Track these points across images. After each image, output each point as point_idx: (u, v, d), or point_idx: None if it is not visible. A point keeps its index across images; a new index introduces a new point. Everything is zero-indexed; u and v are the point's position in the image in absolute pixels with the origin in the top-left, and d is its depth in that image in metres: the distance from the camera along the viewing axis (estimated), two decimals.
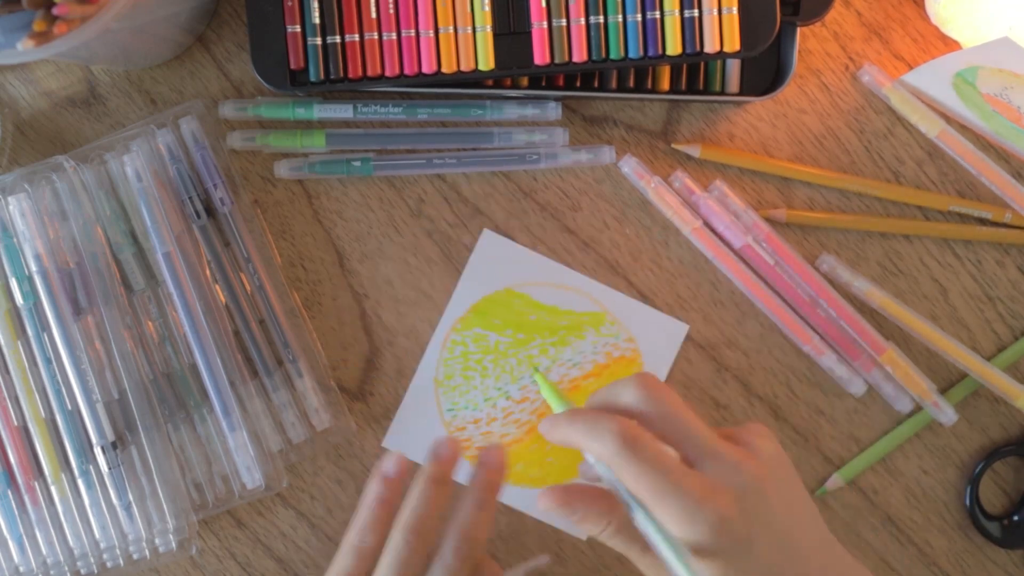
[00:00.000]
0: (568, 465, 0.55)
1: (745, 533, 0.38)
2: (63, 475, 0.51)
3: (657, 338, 0.54)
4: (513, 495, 0.54)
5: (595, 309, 0.54)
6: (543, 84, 0.54)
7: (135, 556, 0.51)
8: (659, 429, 0.40)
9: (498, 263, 0.54)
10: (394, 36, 0.50)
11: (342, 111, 0.53)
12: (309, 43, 0.50)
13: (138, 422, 0.51)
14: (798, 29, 0.52)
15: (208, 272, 0.52)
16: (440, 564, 0.45)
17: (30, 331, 0.51)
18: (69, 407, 0.51)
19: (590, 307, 0.54)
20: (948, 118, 0.54)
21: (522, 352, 0.55)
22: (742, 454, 0.41)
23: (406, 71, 0.50)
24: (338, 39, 0.50)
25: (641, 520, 0.39)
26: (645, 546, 0.41)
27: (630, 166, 0.53)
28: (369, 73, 0.50)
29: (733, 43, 0.50)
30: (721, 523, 0.38)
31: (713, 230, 0.54)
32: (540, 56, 0.50)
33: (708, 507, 0.38)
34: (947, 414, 0.53)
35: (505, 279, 0.55)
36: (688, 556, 0.38)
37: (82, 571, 0.51)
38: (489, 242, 0.54)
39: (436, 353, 0.55)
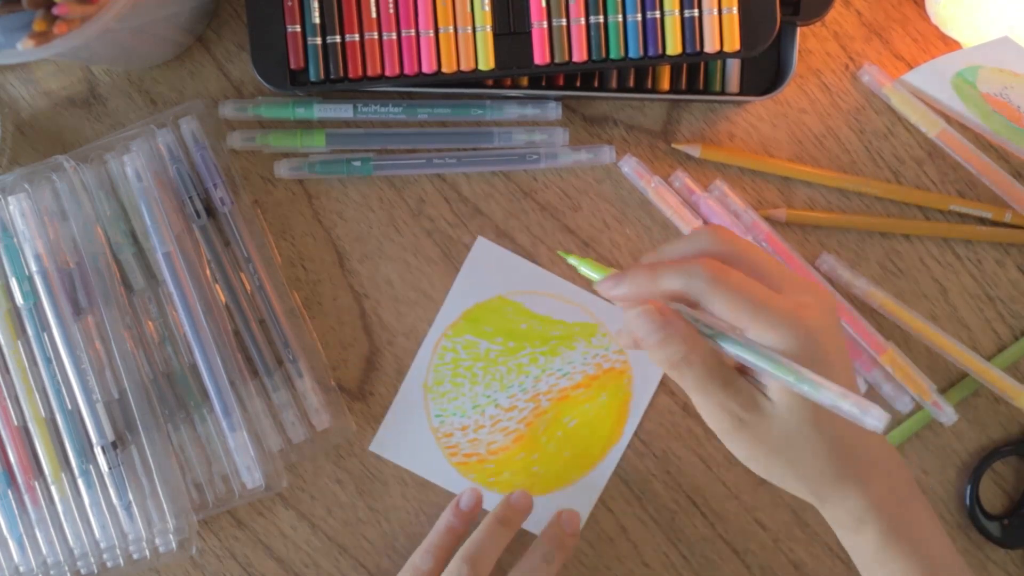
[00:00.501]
0: (555, 475, 0.55)
1: (826, 347, 0.39)
2: (63, 475, 0.51)
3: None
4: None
5: (587, 320, 0.54)
6: (543, 84, 0.54)
7: (135, 556, 0.51)
8: (739, 266, 0.40)
9: (491, 270, 0.54)
10: (394, 36, 0.50)
11: (342, 111, 0.53)
12: (309, 43, 0.50)
13: (138, 422, 0.51)
14: (798, 29, 0.52)
15: (208, 272, 0.52)
16: None
17: (30, 331, 0.51)
18: (69, 407, 0.51)
19: (582, 318, 0.54)
20: (948, 118, 0.54)
21: (512, 360, 0.55)
22: (817, 282, 0.43)
23: (406, 71, 0.50)
24: (338, 39, 0.50)
25: (731, 345, 0.39)
26: (726, 382, 0.40)
27: (630, 166, 0.53)
28: (369, 73, 0.50)
29: (733, 43, 0.50)
30: (810, 333, 0.39)
31: None
32: (540, 56, 0.50)
33: (799, 319, 0.39)
34: (947, 414, 0.53)
35: (498, 287, 0.54)
36: (790, 362, 0.38)
37: (82, 571, 0.51)
38: (483, 249, 0.54)
39: (426, 359, 0.55)
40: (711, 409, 0.41)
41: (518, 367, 0.55)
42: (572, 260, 0.43)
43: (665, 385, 0.55)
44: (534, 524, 0.54)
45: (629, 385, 0.55)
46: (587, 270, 0.43)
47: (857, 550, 0.44)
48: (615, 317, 0.54)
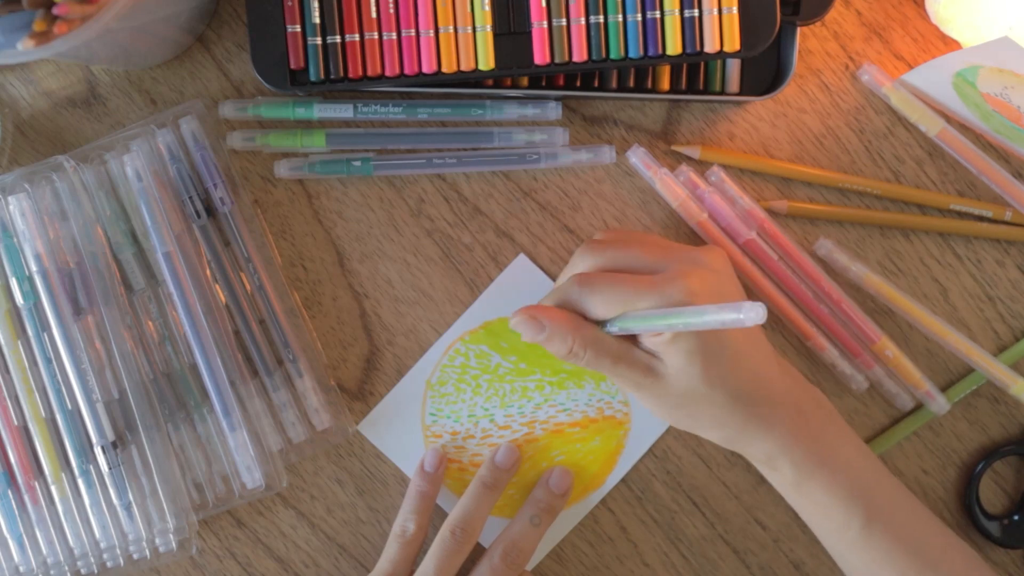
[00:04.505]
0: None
1: (704, 302, 0.43)
2: (63, 475, 0.51)
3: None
4: None
5: None
6: (543, 84, 0.54)
7: (135, 556, 0.51)
8: (616, 269, 0.46)
9: (523, 290, 0.54)
10: (394, 36, 0.50)
11: (342, 111, 0.53)
12: (309, 43, 0.50)
13: (138, 422, 0.51)
14: (798, 29, 0.52)
15: (208, 272, 0.52)
16: (487, 564, 0.51)
17: (30, 331, 0.51)
18: (69, 407, 0.51)
19: None
20: (948, 117, 0.54)
21: (519, 381, 0.54)
22: (706, 247, 0.48)
23: (406, 71, 0.50)
24: (338, 39, 0.50)
25: (617, 324, 0.45)
26: (616, 357, 0.46)
27: (638, 156, 0.53)
28: (369, 73, 0.50)
29: (733, 43, 0.50)
30: (691, 294, 0.43)
31: (718, 225, 0.54)
32: (540, 56, 0.50)
33: (668, 289, 0.44)
34: (939, 403, 0.53)
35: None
36: (665, 310, 0.43)
37: (82, 571, 0.51)
38: (521, 267, 0.54)
39: (436, 357, 0.55)
40: (615, 379, 0.48)
41: (523, 389, 0.55)
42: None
43: None
44: (487, 541, 0.54)
45: (624, 437, 0.55)
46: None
47: (779, 486, 0.49)
48: None
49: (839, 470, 0.46)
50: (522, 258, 0.54)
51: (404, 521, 0.52)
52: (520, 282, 0.54)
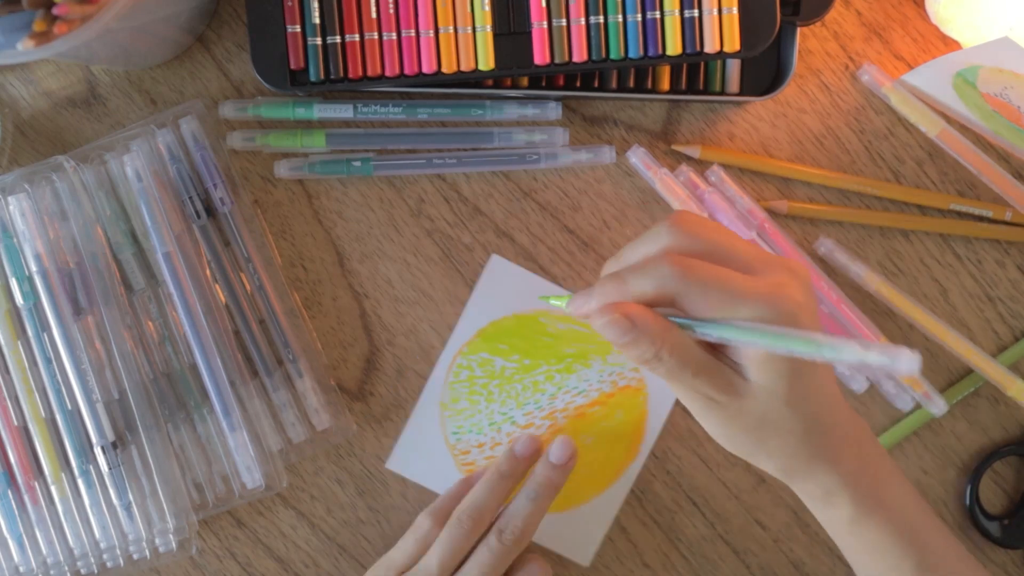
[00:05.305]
0: (572, 493, 0.54)
1: (808, 323, 0.39)
2: (63, 475, 0.51)
3: None
4: None
5: (603, 338, 0.54)
6: (543, 84, 0.54)
7: (135, 556, 0.51)
8: (705, 257, 0.39)
9: (505, 288, 0.54)
10: (394, 36, 0.50)
11: (342, 111, 0.53)
12: (309, 43, 0.50)
13: (138, 422, 0.51)
14: (798, 29, 0.52)
15: (208, 272, 0.52)
16: (485, 545, 0.50)
17: (30, 331, 0.51)
18: (69, 407, 0.51)
19: (598, 335, 0.54)
20: (948, 118, 0.54)
21: (528, 378, 0.54)
22: (789, 257, 0.41)
23: (406, 71, 0.50)
24: (338, 39, 0.50)
25: (715, 331, 0.38)
26: (699, 368, 0.40)
27: (638, 156, 0.53)
28: (369, 73, 0.50)
29: (733, 43, 0.50)
30: (792, 311, 0.38)
31: None
32: (540, 56, 0.50)
33: (778, 299, 0.38)
34: (937, 404, 0.53)
35: (512, 305, 0.54)
36: (806, 333, 0.37)
37: (82, 571, 0.51)
38: (497, 267, 0.54)
39: (442, 377, 0.54)
40: (684, 393, 0.41)
41: (534, 384, 0.55)
42: (545, 299, 0.44)
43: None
44: (549, 540, 0.54)
45: (645, 403, 0.54)
46: (555, 302, 0.42)
47: (831, 523, 0.44)
48: None
49: (895, 509, 0.43)
50: (495, 258, 0.54)
51: (426, 515, 0.52)
52: (501, 282, 0.54)
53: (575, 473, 0.53)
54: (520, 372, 0.54)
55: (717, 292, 0.38)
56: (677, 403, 0.54)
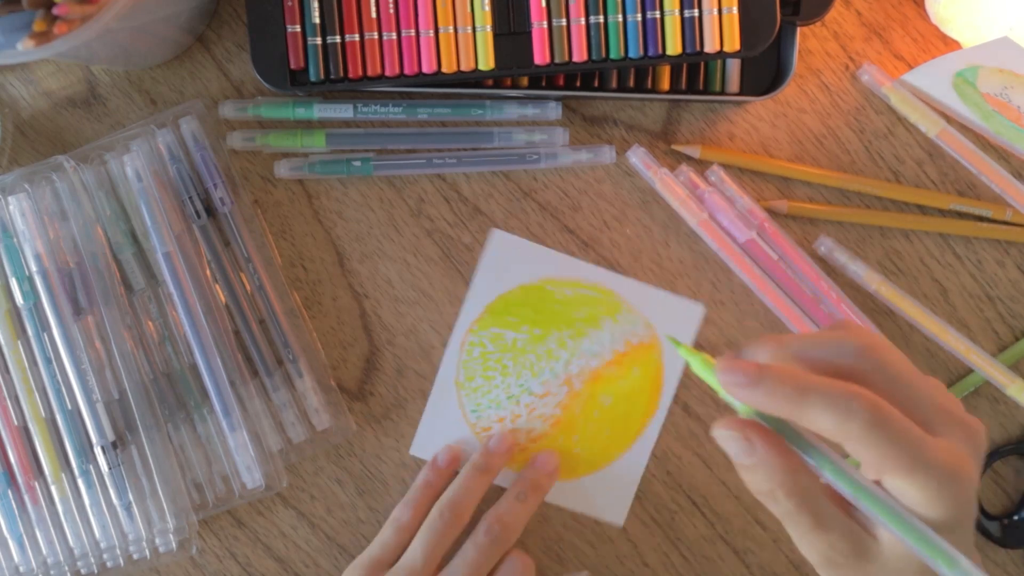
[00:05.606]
0: (597, 454, 0.55)
1: (971, 513, 0.34)
2: (63, 475, 0.51)
3: (674, 321, 0.54)
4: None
5: (610, 298, 0.54)
6: (543, 84, 0.54)
7: (135, 556, 0.51)
8: (886, 394, 0.33)
9: (509, 261, 0.54)
10: (394, 36, 0.50)
11: (342, 111, 0.53)
12: (309, 43, 0.50)
13: (138, 422, 0.51)
14: (798, 29, 0.52)
15: (208, 272, 0.52)
16: (471, 541, 0.51)
17: (30, 331, 0.51)
18: (69, 407, 0.51)
19: (605, 297, 0.55)
20: (948, 118, 0.54)
21: (540, 347, 0.55)
22: (971, 418, 0.35)
23: (406, 71, 0.50)
24: (338, 39, 0.50)
25: (850, 488, 0.33)
26: (819, 521, 0.34)
27: (638, 156, 0.53)
28: (369, 73, 0.50)
29: (733, 43, 0.50)
30: (963, 500, 0.33)
31: (718, 224, 0.54)
32: (540, 56, 0.50)
33: (956, 480, 0.32)
34: None
35: (517, 277, 0.54)
36: (949, 547, 0.32)
37: (82, 571, 0.51)
38: (499, 240, 0.54)
39: (455, 356, 0.55)
40: (801, 544, 0.35)
41: (547, 353, 0.55)
42: (683, 352, 0.36)
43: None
44: (581, 504, 0.54)
45: (660, 357, 0.55)
46: (698, 368, 0.35)
47: None
48: (636, 292, 0.54)
49: None
50: (496, 232, 0.54)
51: (403, 507, 0.53)
52: (503, 255, 0.54)
53: (599, 434, 0.54)
54: (532, 342, 0.55)
55: (898, 450, 0.32)
56: (656, 445, 0.55)
